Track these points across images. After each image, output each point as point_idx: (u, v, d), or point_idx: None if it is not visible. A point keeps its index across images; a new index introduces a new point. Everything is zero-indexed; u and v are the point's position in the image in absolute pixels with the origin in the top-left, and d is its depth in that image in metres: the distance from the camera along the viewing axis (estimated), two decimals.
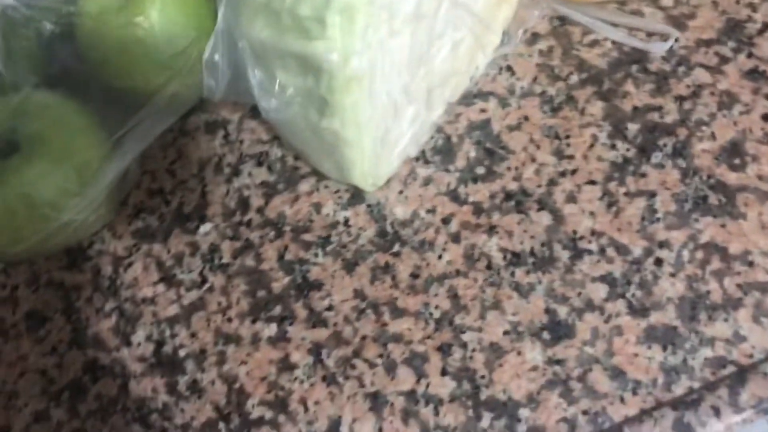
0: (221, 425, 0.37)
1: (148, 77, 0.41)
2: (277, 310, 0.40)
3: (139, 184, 0.45)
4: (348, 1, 0.32)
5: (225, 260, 0.42)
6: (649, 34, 0.42)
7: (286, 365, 0.38)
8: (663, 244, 0.37)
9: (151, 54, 0.41)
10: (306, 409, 0.37)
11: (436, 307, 0.38)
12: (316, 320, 0.39)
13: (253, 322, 0.40)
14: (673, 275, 0.37)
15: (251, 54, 0.37)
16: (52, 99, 0.39)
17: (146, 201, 0.44)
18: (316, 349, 0.38)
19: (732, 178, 0.38)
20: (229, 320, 0.40)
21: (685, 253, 0.37)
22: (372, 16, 0.33)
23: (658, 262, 0.37)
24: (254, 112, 0.45)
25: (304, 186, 0.43)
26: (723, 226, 0.37)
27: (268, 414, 0.37)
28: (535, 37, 0.44)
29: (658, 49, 0.42)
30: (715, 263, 0.37)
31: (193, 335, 0.40)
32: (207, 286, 0.41)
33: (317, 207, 0.42)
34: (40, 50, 0.40)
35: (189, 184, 0.44)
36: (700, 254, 0.37)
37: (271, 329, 0.39)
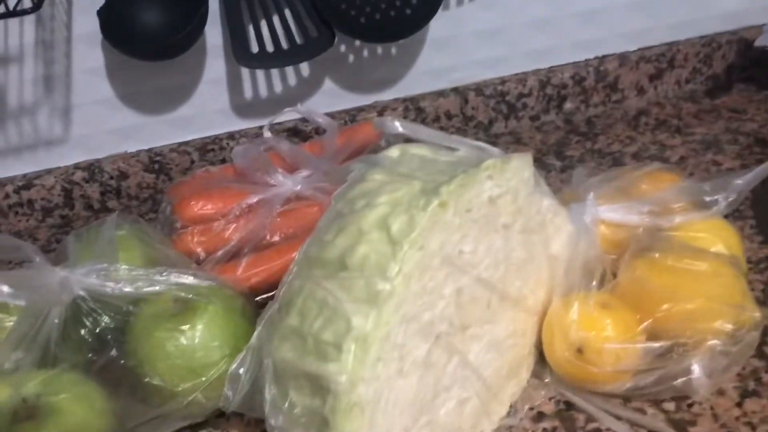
0: None
1: (177, 380, 0.44)
2: None
3: None
4: (365, 332, 0.36)
5: None
6: None
7: None
8: None
9: (187, 360, 0.44)
10: None
11: None
12: None
13: None
14: None
15: (272, 371, 0.40)
16: (82, 378, 0.42)
17: None
18: None
19: None
20: None
21: None
22: (385, 351, 0.37)
23: None
24: None
25: None
26: None
27: None
28: (540, 416, 0.46)
29: None
30: None
31: None
32: None
33: None
34: (91, 337, 0.44)
35: None
36: None
37: None
